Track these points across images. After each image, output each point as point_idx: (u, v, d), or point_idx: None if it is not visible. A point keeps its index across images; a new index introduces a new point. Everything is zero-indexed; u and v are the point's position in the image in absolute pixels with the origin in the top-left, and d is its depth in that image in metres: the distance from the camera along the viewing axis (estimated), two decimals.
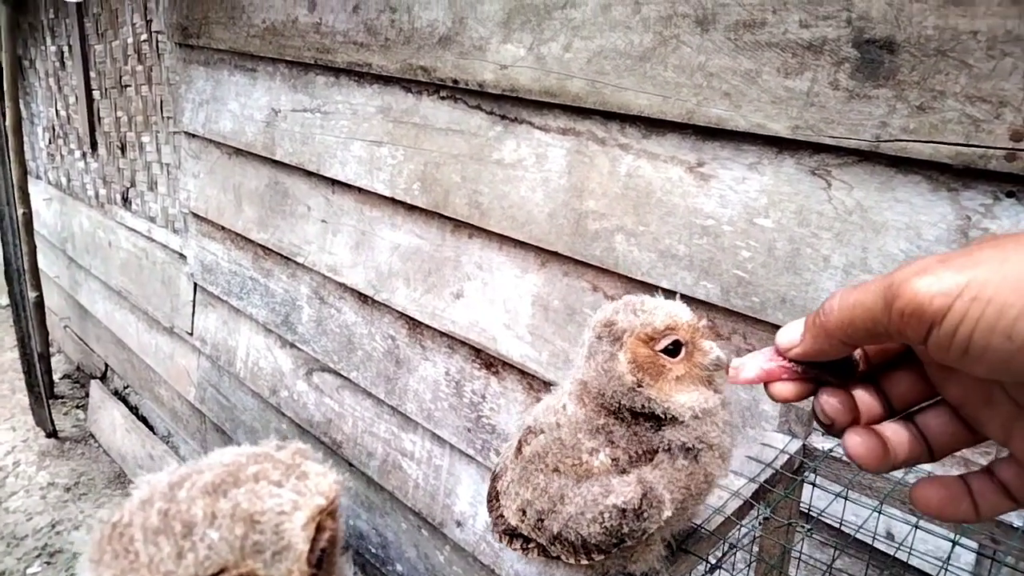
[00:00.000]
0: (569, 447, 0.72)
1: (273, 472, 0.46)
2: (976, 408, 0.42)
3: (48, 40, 3.94)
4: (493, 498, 0.82)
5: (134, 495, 0.46)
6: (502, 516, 0.80)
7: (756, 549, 0.88)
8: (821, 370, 0.46)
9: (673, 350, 0.69)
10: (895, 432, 0.45)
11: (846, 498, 0.81)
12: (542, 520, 0.73)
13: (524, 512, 0.75)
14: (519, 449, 0.78)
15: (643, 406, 0.70)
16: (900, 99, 1.05)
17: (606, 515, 0.68)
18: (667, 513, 0.68)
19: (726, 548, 0.76)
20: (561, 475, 0.72)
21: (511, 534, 0.80)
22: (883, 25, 1.06)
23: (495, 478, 0.83)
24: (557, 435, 0.73)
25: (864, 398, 0.46)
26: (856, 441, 0.44)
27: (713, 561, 0.73)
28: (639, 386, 0.69)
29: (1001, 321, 0.34)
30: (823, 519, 0.89)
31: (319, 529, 0.46)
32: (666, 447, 0.70)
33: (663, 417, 0.70)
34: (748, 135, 1.23)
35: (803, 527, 0.80)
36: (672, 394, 0.69)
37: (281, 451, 0.50)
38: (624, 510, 0.67)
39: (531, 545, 0.78)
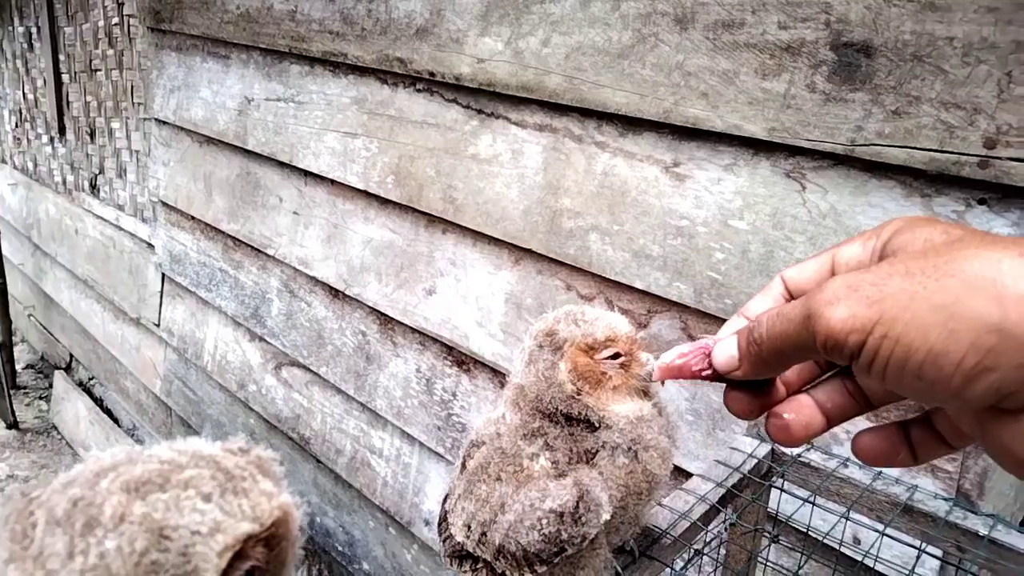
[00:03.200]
0: (510, 455, 0.72)
1: (207, 482, 0.41)
2: None
3: (16, 21, 3.83)
4: (442, 520, 0.81)
5: (71, 471, 0.42)
6: (450, 536, 0.78)
7: (722, 554, 0.87)
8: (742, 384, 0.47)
9: (613, 360, 0.71)
10: (828, 392, 0.46)
11: (813, 503, 0.81)
12: (485, 533, 0.72)
13: (469, 527, 0.74)
14: (463, 465, 0.77)
15: (580, 413, 0.71)
16: (876, 103, 1.05)
17: (543, 521, 0.68)
18: (605, 516, 0.67)
19: (691, 554, 0.74)
20: (503, 483, 0.72)
21: (460, 556, 0.78)
22: (861, 28, 1.06)
23: (444, 500, 0.82)
24: (498, 444, 0.74)
25: (800, 369, 0.47)
26: (774, 424, 0.46)
27: (679, 567, 0.72)
28: (578, 394, 0.71)
29: (909, 362, 0.35)
30: (791, 524, 0.88)
31: (240, 556, 0.41)
32: (603, 446, 0.71)
33: (598, 425, 0.71)
34: (724, 136, 1.22)
35: (769, 532, 0.79)
36: (608, 403, 0.71)
37: (234, 456, 0.45)
38: (561, 514, 0.67)
39: (479, 566, 0.77)
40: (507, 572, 0.71)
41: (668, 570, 0.71)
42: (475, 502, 0.72)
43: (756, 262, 1.21)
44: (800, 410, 0.45)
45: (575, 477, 0.68)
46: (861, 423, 0.51)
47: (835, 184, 1.12)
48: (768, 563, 0.87)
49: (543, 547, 0.67)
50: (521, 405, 0.73)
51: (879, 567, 0.93)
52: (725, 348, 0.46)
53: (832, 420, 0.46)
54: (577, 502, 0.66)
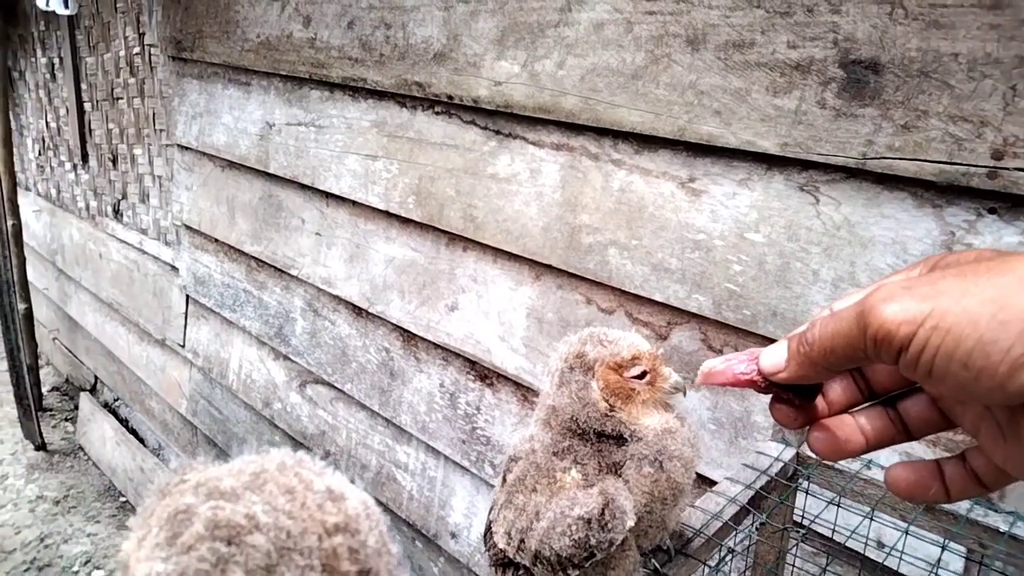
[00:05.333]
0: (544, 469, 0.78)
1: (258, 558, 0.42)
2: (950, 404, 0.45)
3: (39, 52, 3.94)
4: (487, 530, 0.86)
5: (216, 469, 0.45)
6: (494, 544, 0.83)
7: (751, 556, 0.90)
8: (789, 391, 0.48)
9: (640, 376, 0.77)
10: (869, 418, 0.48)
11: (838, 504, 0.84)
12: (523, 540, 0.76)
13: (509, 535, 0.79)
14: (504, 478, 0.82)
15: (613, 429, 0.77)
16: (885, 118, 1.09)
17: (573, 527, 0.72)
18: (630, 522, 0.72)
19: (724, 552, 0.78)
20: (538, 494, 0.77)
21: (504, 564, 0.83)
22: (868, 46, 1.10)
23: (489, 511, 0.87)
24: (533, 459, 0.79)
25: (845, 386, 0.49)
26: (816, 437, 0.48)
27: (713, 563, 0.75)
28: (611, 410, 0.76)
29: (958, 350, 0.36)
30: (816, 526, 0.91)
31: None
32: (630, 458, 0.76)
33: (629, 439, 0.76)
34: (738, 152, 1.26)
35: (797, 531, 0.83)
36: (639, 417, 0.77)
37: (333, 535, 0.45)
38: (588, 520, 0.72)
39: (520, 572, 0.81)
40: None
41: (703, 568, 0.75)
42: (514, 511, 0.77)
43: (773, 273, 1.24)
44: (841, 426, 0.47)
45: (601, 487, 0.73)
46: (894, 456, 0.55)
47: (848, 196, 1.15)
48: (795, 567, 0.90)
49: (574, 551, 0.72)
50: (552, 424, 0.78)
51: (903, 568, 0.96)
52: (773, 351, 0.48)
53: (870, 443, 0.48)
54: (603, 509, 0.71)
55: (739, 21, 1.22)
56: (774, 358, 0.47)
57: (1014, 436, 0.40)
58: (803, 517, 0.98)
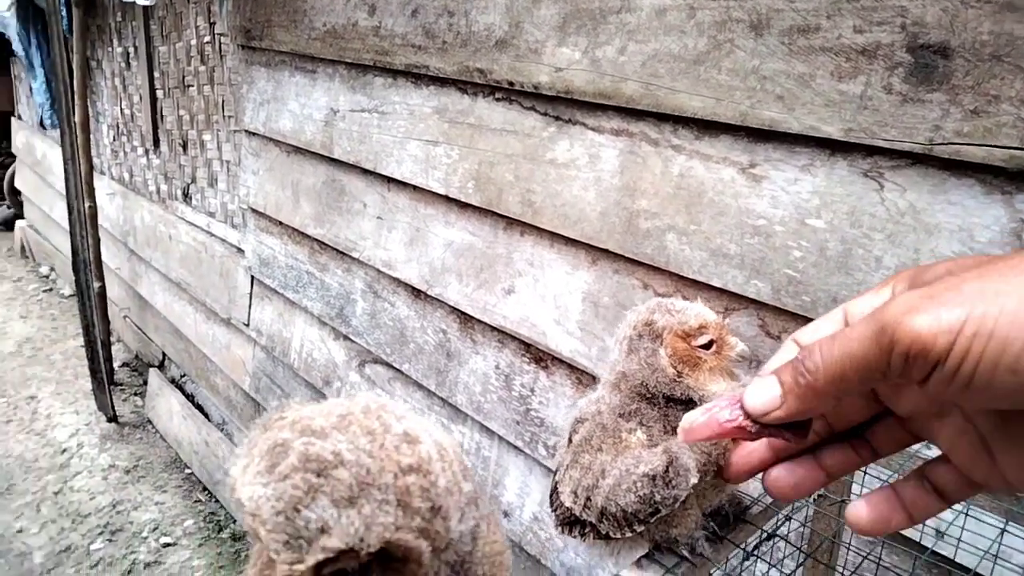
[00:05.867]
0: (610, 429, 0.81)
1: (343, 489, 0.47)
2: (926, 421, 0.44)
3: (115, 42, 4.11)
4: (553, 490, 0.89)
5: (309, 408, 0.50)
6: (561, 504, 0.86)
7: (808, 530, 0.92)
8: (780, 428, 0.44)
9: (707, 345, 0.80)
10: (829, 451, 0.46)
11: (864, 472, 0.84)
12: (589, 498, 0.79)
13: (576, 493, 0.81)
14: (570, 440, 0.85)
15: (682, 394, 0.79)
16: (954, 103, 1.07)
17: (638, 484, 0.75)
18: (693, 479, 0.74)
19: (780, 519, 0.80)
20: (603, 453, 0.80)
21: (570, 523, 0.86)
22: (937, 30, 1.08)
23: (555, 473, 0.90)
24: (599, 420, 0.82)
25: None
26: (775, 477, 0.46)
27: (769, 529, 0.77)
28: (679, 376, 0.79)
29: (1005, 356, 0.33)
30: None
31: (335, 559, 0.47)
32: None
33: (697, 403, 0.78)
34: (801, 137, 1.26)
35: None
36: (706, 383, 0.79)
37: (409, 474, 0.50)
38: (653, 477, 0.74)
39: (587, 530, 0.84)
40: (610, 533, 0.78)
41: (760, 532, 0.77)
42: (580, 470, 0.80)
43: (834, 259, 1.24)
44: (798, 466, 0.46)
45: (665, 446, 0.75)
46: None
47: (913, 182, 1.14)
48: (850, 548, 0.91)
49: (639, 507, 0.74)
50: (622, 388, 0.81)
51: (961, 555, 0.95)
52: (760, 389, 0.43)
53: (831, 476, 0.46)
54: (667, 467, 0.73)
55: (804, 6, 1.22)
56: (763, 396, 0.43)
57: (1006, 444, 0.39)
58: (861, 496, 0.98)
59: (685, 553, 0.79)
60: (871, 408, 0.46)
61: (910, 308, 0.36)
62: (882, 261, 1.18)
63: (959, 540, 0.84)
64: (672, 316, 0.80)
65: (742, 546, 0.81)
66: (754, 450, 0.47)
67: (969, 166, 1.08)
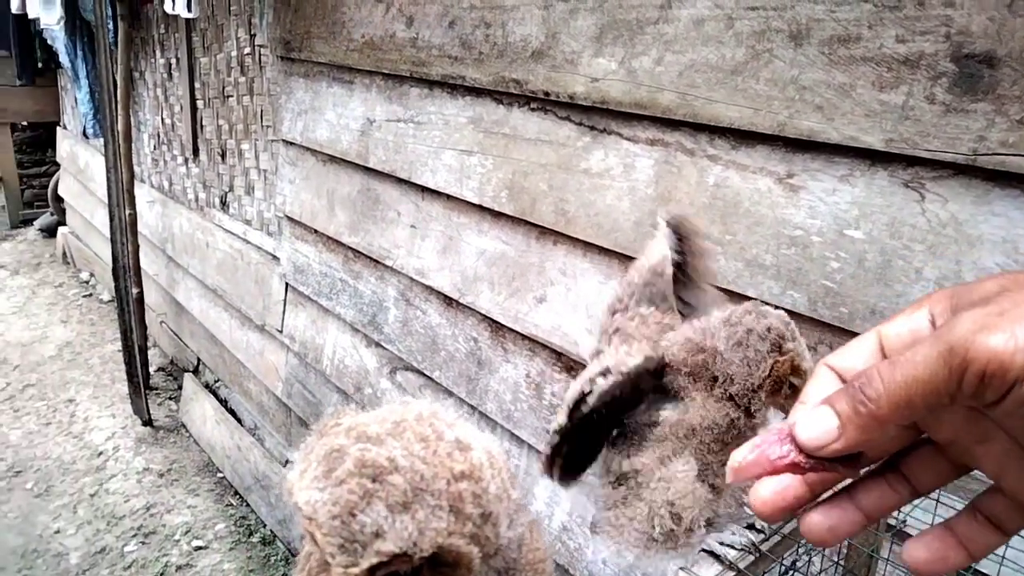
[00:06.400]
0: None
1: (398, 495, 0.48)
2: (968, 446, 0.42)
3: (158, 53, 4.21)
4: (578, 401, 0.86)
5: (364, 416, 0.52)
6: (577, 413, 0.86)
7: (844, 549, 0.90)
8: (832, 461, 0.41)
9: (792, 390, 0.80)
10: (864, 489, 0.44)
11: (937, 500, 0.83)
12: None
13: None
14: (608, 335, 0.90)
15: (744, 407, 0.80)
16: (1000, 113, 1.06)
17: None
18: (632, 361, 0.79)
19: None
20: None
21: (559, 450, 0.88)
22: (983, 40, 1.07)
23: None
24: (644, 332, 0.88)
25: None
26: (814, 521, 0.43)
27: (806, 546, 0.76)
28: (756, 392, 0.79)
29: None
30: (912, 528, 0.90)
31: (389, 563, 0.48)
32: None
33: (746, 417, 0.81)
34: (840, 147, 1.25)
35: (890, 527, 0.82)
36: (759, 414, 0.81)
37: (461, 481, 0.51)
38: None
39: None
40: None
41: (797, 547, 0.76)
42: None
43: (873, 271, 1.22)
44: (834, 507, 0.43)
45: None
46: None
47: (956, 193, 1.13)
48: (889, 561, 0.89)
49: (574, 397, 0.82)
50: (701, 356, 0.81)
51: (1005, 572, 0.93)
52: (814, 421, 0.41)
53: (870, 517, 0.44)
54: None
55: (845, 16, 1.21)
56: (818, 428, 0.40)
57: None
58: (898, 520, 0.97)
59: (672, 525, 0.78)
60: (908, 436, 0.43)
61: (982, 327, 0.34)
62: (922, 273, 1.17)
63: (1003, 557, 0.82)
64: (799, 346, 0.79)
65: (780, 560, 0.80)
66: (789, 486, 0.44)
67: (1015, 177, 1.06)
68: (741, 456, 0.43)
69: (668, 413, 0.81)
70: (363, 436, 0.49)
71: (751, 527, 0.79)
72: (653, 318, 0.90)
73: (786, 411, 0.80)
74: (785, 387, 0.78)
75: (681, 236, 0.93)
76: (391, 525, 0.46)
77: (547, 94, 1.75)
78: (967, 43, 1.08)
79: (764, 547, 0.81)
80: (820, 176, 1.29)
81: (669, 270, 0.93)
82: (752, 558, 0.78)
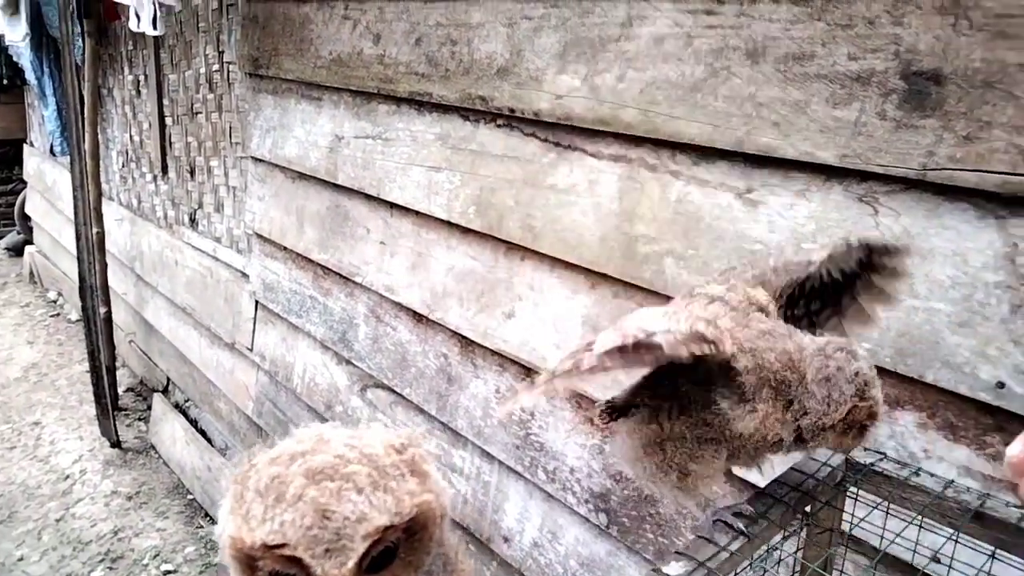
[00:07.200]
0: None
1: (363, 479, 0.49)
2: None
3: (126, 70, 4.18)
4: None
5: (276, 448, 0.52)
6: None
7: (797, 564, 0.91)
8: None
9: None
10: None
11: (887, 511, 0.84)
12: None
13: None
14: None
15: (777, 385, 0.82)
16: (947, 129, 1.08)
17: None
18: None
19: (769, 548, 0.79)
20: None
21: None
22: (931, 58, 1.10)
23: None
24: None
25: None
26: None
27: (760, 558, 0.77)
28: (786, 385, 0.81)
29: None
30: (866, 536, 0.91)
31: (379, 541, 0.49)
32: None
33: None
34: (796, 163, 1.27)
35: (843, 534, 0.83)
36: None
37: (393, 455, 0.53)
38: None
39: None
40: None
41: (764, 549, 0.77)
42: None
43: None
44: None
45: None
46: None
47: (908, 207, 1.15)
48: (843, 572, 0.90)
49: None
50: (785, 366, 0.81)
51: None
52: None
53: None
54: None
55: (800, 34, 1.24)
56: None
57: None
58: (851, 525, 0.98)
59: (677, 484, 0.80)
60: None
61: None
62: None
63: (950, 566, 0.83)
64: (879, 394, 0.80)
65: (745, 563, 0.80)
66: None
67: (963, 191, 1.09)
68: (1016, 450, 0.44)
69: (725, 406, 0.81)
70: (295, 456, 0.49)
71: (738, 515, 0.81)
72: (748, 293, 0.90)
73: (846, 452, 0.82)
74: (854, 430, 0.79)
75: (871, 251, 0.93)
76: (369, 505, 0.47)
77: (512, 111, 1.76)
78: (915, 60, 1.11)
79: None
80: (778, 191, 1.31)
81: (800, 272, 0.93)
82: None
